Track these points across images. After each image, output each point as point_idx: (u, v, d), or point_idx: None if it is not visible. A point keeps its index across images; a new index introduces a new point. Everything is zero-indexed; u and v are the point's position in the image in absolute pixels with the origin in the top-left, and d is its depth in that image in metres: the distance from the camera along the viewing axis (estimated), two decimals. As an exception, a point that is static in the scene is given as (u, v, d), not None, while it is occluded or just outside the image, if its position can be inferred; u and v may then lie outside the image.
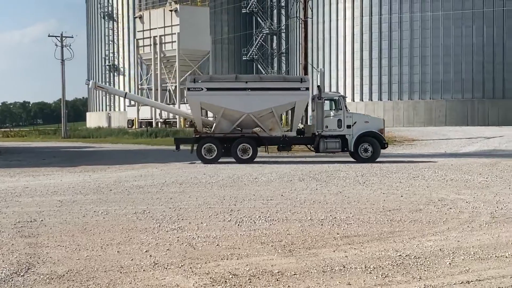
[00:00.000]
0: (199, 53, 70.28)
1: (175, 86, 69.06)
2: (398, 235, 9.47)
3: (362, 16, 66.64)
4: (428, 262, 7.67)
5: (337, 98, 24.80)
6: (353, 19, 67.19)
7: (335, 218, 11.01)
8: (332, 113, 24.45)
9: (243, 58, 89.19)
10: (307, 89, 24.40)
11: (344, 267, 7.45)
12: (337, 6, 68.60)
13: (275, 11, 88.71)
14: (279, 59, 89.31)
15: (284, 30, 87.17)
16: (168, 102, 72.91)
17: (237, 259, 7.96)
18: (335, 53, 69.21)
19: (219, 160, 24.44)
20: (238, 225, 10.41)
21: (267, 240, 9.14)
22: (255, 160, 24.52)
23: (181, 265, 7.65)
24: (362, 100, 66.55)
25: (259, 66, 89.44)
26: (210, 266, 7.61)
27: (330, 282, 6.87)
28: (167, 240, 9.22)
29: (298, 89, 24.34)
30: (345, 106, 24.67)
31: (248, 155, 24.21)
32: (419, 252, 8.22)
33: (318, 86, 24.99)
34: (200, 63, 71.69)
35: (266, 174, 19.08)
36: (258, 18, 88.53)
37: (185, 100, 71.41)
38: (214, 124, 25.17)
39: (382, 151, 24.95)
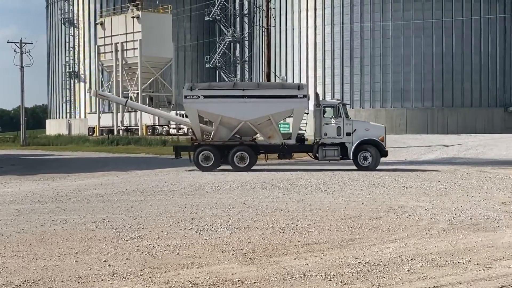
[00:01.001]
0: (161, 60, 69.99)
1: (137, 94, 68.56)
2: (358, 242, 9.54)
3: (324, 25, 67.25)
4: (387, 269, 7.74)
5: (335, 105, 24.25)
6: (316, 28, 67.76)
7: (296, 225, 11.03)
8: (331, 121, 23.94)
9: (206, 66, 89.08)
10: (305, 96, 23.85)
11: (304, 274, 7.47)
12: (299, 15, 69.11)
13: (238, 19, 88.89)
14: (242, 67, 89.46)
15: (247, 38, 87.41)
16: (130, 110, 72.34)
17: (198, 267, 7.91)
18: (298, 61, 69.66)
19: (218, 168, 24.24)
20: (199, 233, 10.35)
21: (228, 248, 9.10)
22: (253, 168, 24.08)
23: (140, 275, 7.57)
24: (324, 108, 66.94)
25: (222, 73, 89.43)
26: (170, 275, 7.54)
27: (290, 290, 6.88)
28: (127, 249, 9.11)
29: (296, 96, 23.89)
30: (346, 114, 24.18)
31: (245, 163, 23.92)
32: (378, 259, 8.28)
33: (316, 93, 24.74)
34: (163, 70, 71.38)
35: (229, 182, 19.04)
36: (221, 26, 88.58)
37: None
38: (213, 131, 24.85)
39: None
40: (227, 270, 7.75)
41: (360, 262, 8.10)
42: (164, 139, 47.89)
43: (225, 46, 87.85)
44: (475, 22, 65.04)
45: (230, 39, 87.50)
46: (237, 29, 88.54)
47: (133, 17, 67.65)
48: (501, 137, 49.56)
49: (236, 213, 12.53)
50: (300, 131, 24.94)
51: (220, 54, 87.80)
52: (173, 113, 33.58)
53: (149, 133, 66.23)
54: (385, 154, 23.89)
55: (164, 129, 67.41)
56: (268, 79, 36.84)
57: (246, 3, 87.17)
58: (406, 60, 64.17)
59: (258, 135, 25.23)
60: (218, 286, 7.02)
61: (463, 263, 8.06)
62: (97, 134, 67.84)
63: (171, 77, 72.38)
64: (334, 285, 7.04)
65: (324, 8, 67.04)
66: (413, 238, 9.88)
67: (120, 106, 70.17)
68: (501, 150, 34.49)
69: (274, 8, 51.07)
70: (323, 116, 24.05)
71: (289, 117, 24.89)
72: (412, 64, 64.09)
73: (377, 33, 64.84)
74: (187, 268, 7.90)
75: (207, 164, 24.10)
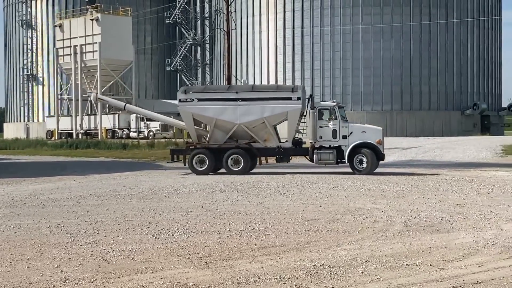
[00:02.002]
0: (121, 63, 69.36)
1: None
2: (315, 245, 9.58)
3: (285, 28, 67.60)
4: (342, 271, 7.78)
5: (331, 107, 23.59)
6: (276, 31, 68.06)
7: (254, 229, 11.03)
8: (327, 123, 23.34)
9: (167, 69, 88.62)
10: (299, 98, 23.38)
11: (259, 278, 7.46)
12: (260, 18, 69.31)
13: (199, 22, 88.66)
14: (203, 70, 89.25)
15: (208, 41, 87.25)
16: (89, 113, 71.49)
17: (152, 272, 7.83)
18: (259, 64, 69.85)
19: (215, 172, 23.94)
20: (156, 238, 10.26)
21: (184, 252, 9.04)
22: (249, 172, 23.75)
23: (93, 280, 7.46)
24: (285, 111, 67.24)
25: (183, 77, 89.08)
26: (123, 280, 7.45)
27: (244, 293, 6.87)
28: (81, 254, 8.98)
29: (290, 98, 23.45)
30: (342, 116, 23.56)
31: (239, 166, 23.50)
32: (333, 262, 8.33)
33: (310, 95, 24.21)
34: (123, 73, 70.75)
35: (188, 186, 18.93)
36: (182, 29, 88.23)
37: (107, 111, 70.36)
38: (208, 135, 24.54)
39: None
40: (182, 274, 7.69)
41: (315, 265, 8.13)
42: (124, 143, 47.43)
43: (186, 49, 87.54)
44: (432, 27, 66.19)
45: (191, 42, 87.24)
46: (198, 32, 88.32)
47: (92, 20, 66.92)
48: (457, 140, 50.50)
49: (193, 217, 12.46)
50: (299, 134, 24.45)
51: (181, 57, 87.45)
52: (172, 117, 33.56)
53: (109, 137, 65.53)
54: (381, 157, 23.31)
55: (124, 132, 66.82)
56: (229, 82, 36.81)
57: (207, 6, 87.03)
58: (366, 64, 64.93)
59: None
60: (172, 291, 6.96)
61: (416, 265, 8.16)
62: (56, 138, 66.88)
63: (131, 80, 71.81)
64: (288, 287, 7.06)
65: (284, 12, 67.39)
66: (368, 240, 9.96)
67: (80, 109, 69.35)
68: (458, 153, 35.11)
69: (235, 11, 51.14)
70: (318, 119, 23.47)
71: (284, 120, 24.23)
72: (372, 68, 64.88)
73: (337, 37, 65.46)
74: (141, 273, 7.81)
75: (201, 167, 23.81)
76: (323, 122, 23.41)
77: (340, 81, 65.61)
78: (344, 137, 23.16)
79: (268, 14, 68.59)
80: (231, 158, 23.64)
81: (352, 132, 23.16)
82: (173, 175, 23.38)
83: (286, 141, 24.17)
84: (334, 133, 23.24)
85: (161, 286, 7.16)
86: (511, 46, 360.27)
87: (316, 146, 23.41)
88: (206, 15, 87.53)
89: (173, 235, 10.49)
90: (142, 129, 64.72)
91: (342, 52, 65.43)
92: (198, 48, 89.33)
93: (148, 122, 65.79)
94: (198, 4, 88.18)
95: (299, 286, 7.11)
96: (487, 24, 72.27)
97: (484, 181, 19.53)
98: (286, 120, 23.90)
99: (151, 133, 63.96)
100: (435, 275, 7.59)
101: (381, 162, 23.83)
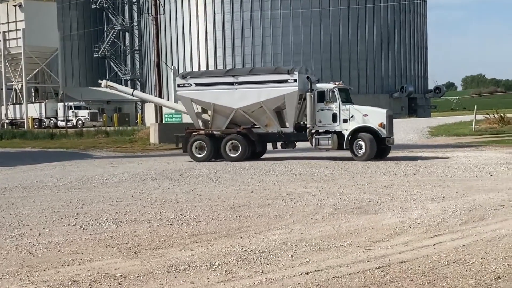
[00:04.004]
0: (46, 50, 67.40)
1: (21, 85, 65.73)
2: (246, 230, 9.59)
3: (214, 13, 67.25)
4: (271, 256, 7.82)
5: (330, 89, 22.24)
6: (206, 16, 67.64)
7: (185, 216, 10.95)
8: (326, 107, 22.10)
9: (95, 55, 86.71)
10: (296, 81, 22.09)
11: (189, 266, 7.41)
12: (189, 3, 68.65)
13: (126, 7, 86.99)
14: (132, 56, 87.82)
15: (136, 26, 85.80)
16: (14, 102, 69.30)
17: (79, 264, 7.65)
18: (189, 50, 69.31)
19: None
20: (83, 229, 10.04)
21: (113, 243, 8.88)
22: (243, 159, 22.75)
23: (18, 274, 7.22)
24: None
25: (111, 63, 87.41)
26: (49, 273, 7.24)
27: (173, 282, 6.79)
28: (5, 248, 8.68)
29: (286, 81, 22.31)
30: (345, 99, 22.30)
31: (237, 152, 22.76)
32: (263, 247, 8.36)
33: (307, 77, 22.56)
34: (49, 61, 68.80)
35: (118, 175, 18.62)
36: (109, 14, 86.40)
37: (32, 100, 68.33)
38: (210, 120, 23.80)
39: None
40: (110, 265, 7.55)
41: (245, 250, 8.13)
42: (51, 132, 46.19)
43: (114, 35, 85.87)
44: (360, 11, 67.29)
45: (119, 27, 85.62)
46: (126, 17, 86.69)
47: (15, 6, 64.68)
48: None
49: (123, 207, 12.26)
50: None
51: (109, 43, 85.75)
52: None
53: (35, 126, 63.74)
54: (384, 142, 21.64)
55: (52, 121, 65.15)
56: (158, 69, 36.36)
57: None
58: (296, 49, 65.43)
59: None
60: (100, 282, 6.82)
61: (345, 246, 8.29)
62: (-20, 129, 64.49)
63: (57, 67, 69.93)
64: (219, 274, 7.03)
65: (214, -3, 67.01)
66: (298, 224, 10.05)
67: (4, 98, 67.13)
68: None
69: (163, -3, 50.49)
70: (317, 102, 22.16)
71: (283, 104, 22.88)
72: (302, 53, 65.46)
73: (267, 22, 65.69)
74: (68, 265, 7.62)
75: (201, 154, 23.24)
76: (322, 105, 22.18)
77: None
78: (345, 121, 21.91)
79: (197, -1, 68.05)
80: (229, 144, 22.93)
81: (353, 116, 21.87)
82: (102, 164, 22.96)
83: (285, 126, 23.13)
84: (334, 117, 22.05)
85: (88, 277, 7.00)
86: (437, 29, 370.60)
87: (314, 131, 22.28)
88: (134, 0, 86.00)
89: (101, 225, 10.29)
90: (70, 118, 63.21)
91: (273, 37, 65.73)
92: (127, 34, 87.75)
93: (76, 111, 64.30)
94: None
95: (229, 272, 7.10)
96: (413, 7, 74.02)
97: (411, 162, 20.05)
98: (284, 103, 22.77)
99: (80, 122, 62.58)
100: (362, 256, 7.72)
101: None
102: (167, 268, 7.32)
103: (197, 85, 23.56)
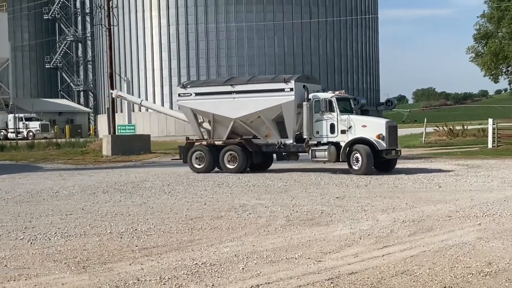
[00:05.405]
0: (-4, 61, 65.97)
1: (-30, 96, 64.20)
2: (197, 243, 9.55)
3: (169, 25, 66.97)
4: (222, 269, 7.80)
5: (327, 98, 21.32)
6: (160, 28, 67.30)
7: (136, 230, 10.83)
8: (323, 117, 21.23)
9: (47, 66, 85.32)
10: (292, 89, 21.36)
11: (138, 280, 7.32)
12: (143, 14, 68.23)
13: (79, 18, 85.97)
14: (85, 67, 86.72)
15: (90, 37, 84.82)
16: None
17: (26, 279, 7.49)
18: (143, 61, 68.77)
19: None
20: (31, 243, 9.83)
21: (61, 257, 8.72)
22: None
23: (-39, 292, 7.03)
24: (172, 109, 66.73)
25: (64, 74, 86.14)
26: (-6, 290, 7.07)
27: (123, 297, 6.72)
28: None
29: (282, 90, 21.60)
30: (344, 108, 21.45)
31: (235, 164, 22.16)
32: (215, 259, 8.33)
33: (304, 86, 21.59)
34: (-1, 71, 67.33)
35: (68, 188, 18.31)
36: (62, 25, 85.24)
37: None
38: (211, 131, 23.27)
39: None
40: (57, 280, 7.41)
41: (196, 263, 8.09)
42: (1, 144, 45.11)
43: (66, 46, 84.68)
44: (313, 25, 68.02)
45: (72, 38, 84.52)
46: (79, 28, 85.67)
47: (-36, 15, 63.29)
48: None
49: (73, 220, 12.05)
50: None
51: (61, 54, 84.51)
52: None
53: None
54: (381, 154, 20.49)
55: (2, 133, 63.75)
56: (111, 80, 35.96)
57: (87, 1, 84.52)
58: (250, 61, 65.66)
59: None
60: (46, 298, 6.69)
61: (296, 258, 8.33)
62: None
63: (8, 78, 68.54)
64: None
65: (168, 8, 66.77)
66: (251, 236, 10.06)
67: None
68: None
69: (117, 7, 49.89)
70: (314, 112, 21.34)
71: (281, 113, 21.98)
72: (257, 65, 65.68)
73: (222, 34, 65.75)
74: (14, 280, 7.45)
75: (200, 165, 22.71)
76: (319, 115, 21.34)
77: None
78: (343, 132, 20.90)
79: (151, 10, 67.65)
80: (228, 155, 22.39)
81: (351, 126, 20.85)
82: (53, 177, 22.54)
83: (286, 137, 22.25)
84: (332, 128, 21.09)
85: (34, 294, 6.86)
86: (389, 44, 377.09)
87: (313, 142, 21.39)
88: (87, 10, 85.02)
89: (50, 239, 10.10)
90: (21, 130, 61.93)
91: (227, 49, 65.80)
92: (80, 44, 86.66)
93: (27, 122, 63.06)
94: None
95: (179, 286, 7.05)
96: (365, 22, 75.24)
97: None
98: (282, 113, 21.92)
99: (31, 134, 61.36)
100: (312, 268, 7.77)
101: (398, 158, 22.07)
102: (116, 283, 7.22)
103: (196, 94, 23.26)
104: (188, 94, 23.39)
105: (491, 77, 52.99)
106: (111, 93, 30.43)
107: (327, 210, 12.58)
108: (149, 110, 55.96)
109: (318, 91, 22.36)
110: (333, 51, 70.27)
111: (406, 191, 15.74)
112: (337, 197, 14.59)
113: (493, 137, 32.23)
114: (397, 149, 21.46)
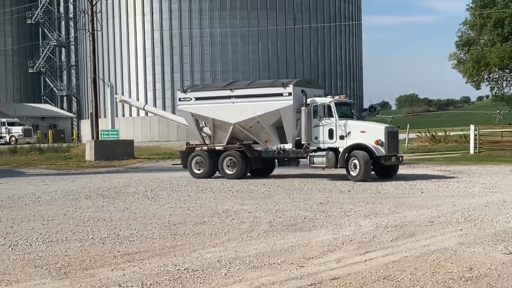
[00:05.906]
0: (-21, 65, 65.53)
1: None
2: (180, 249, 9.52)
3: (153, 30, 66.83)
4: (205, 274, 7.78)
5: (325, 104, 20.99)
6: (144, 33, 67.14)
7: (118, 235, 10.77)
8: (321, 122, 20.91)
9: (30, 71, 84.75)
10: (290, 94, 21.07)
11: (120, 286, 7.29)
12: (127, 19, 68.05)
13: (63, 23, 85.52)
14: (68, 72, 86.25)
15: (73, 42, 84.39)
16: None
17: (6, 285, 7.42)
18: (127, 66, 68.55)
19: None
20: (12, 249, 9.75)
21: (42, 263, 8.65)
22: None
23: None
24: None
25: (47, 79, 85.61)
26: (-26, 296, 7.01)
27: (104, 303, 6.68)
28: None
29: (281, 94, 21.35)
30: (344, 114, 21.13)
31: (234, 170, 21.89)
32: (197, 265, 8.31)
33: (302, 91, 21.22)
34: (-19, 76, 66.89)
35: (51, 193, 18.19)
36: (45, 29, 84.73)
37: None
38: (211, 136, 23.08)
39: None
40: (38, 286, 7.36)
41: (179, 269, 8.07)
42: (-18, 149, 44.68)
43: (49, 51, 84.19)
44: (297, 31, 68.21)
45: (55, 43, 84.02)
46: (63, 33, 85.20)
47: None
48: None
49: (55, 225, 11.97)
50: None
51: (44, 59, 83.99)
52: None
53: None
54: (379, 160, 20.20)
55: (-17, 138, 63.18)
56: (95, 85, 35.84)
57: (71, 6, 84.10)
58: (235, 67, 65.68)
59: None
60: (27, 305, 6.64)
61: (278, 263, 8.33)
62: None
63: (-10, 82, 68.03)
64: (151, 294, 6.95)
65: (152, 13, 66.65)
66: (234, 241, 10.05)
67: None
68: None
69: (101, 12, 49.71)
70: (313, 117, 21.03)
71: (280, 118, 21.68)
72: (241, 70, 65.71)
73: (206, 40, 65.72)
74: (-6, 287, 7.39)
75: (200, 170, 22.46)
76: (317, 120, 21.03)
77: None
78: (342, 137, 20.58)
79: (135, 15, 67.51)
80: (227, 161, 22.11)
81: (350, 132, 20.51)
82: (35, 182, 22.38)
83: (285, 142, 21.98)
84: (330, 133, 20.79)
85: (14, 300, 6.81)
86: (372, 50, 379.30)
87: (312, 147, 21.09)
88: (71, 15, 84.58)
89: (31, 245, 10.02)
90: (3, 135, 61.42)
91: (211, 55, 65.78)
92: (63, 49, 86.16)
93: (9, 127, 62.56)
94: (62, 4, 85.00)
95: (161, 292, 7.03)
96: (348, 28, 75.58)
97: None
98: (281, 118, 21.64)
99: (13, 139, 60.89)
100: (295, 273, 7.78)
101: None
102: (97, 289, 7.19)
103: (196, 99, 23.11)
104: (188, 99, 23.26)
105: (473, 83, 53.47)
106: (115, 98, 30.34)
107: (310, 216, 12.60)
108: (141, 115, 55.74)
109: (320, 96, 22.09)
110: (317, 57, 70.51)
111: (389, 196, 15.82)
112: (320, 203, 14.63)
113: (475, 143, 32.52)
114: (398, 155, 21.09)
